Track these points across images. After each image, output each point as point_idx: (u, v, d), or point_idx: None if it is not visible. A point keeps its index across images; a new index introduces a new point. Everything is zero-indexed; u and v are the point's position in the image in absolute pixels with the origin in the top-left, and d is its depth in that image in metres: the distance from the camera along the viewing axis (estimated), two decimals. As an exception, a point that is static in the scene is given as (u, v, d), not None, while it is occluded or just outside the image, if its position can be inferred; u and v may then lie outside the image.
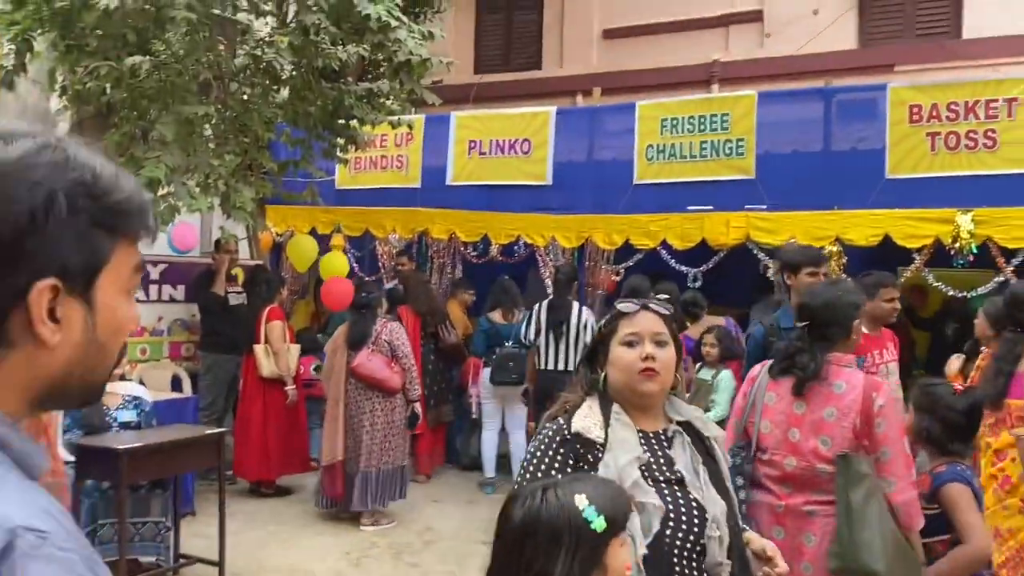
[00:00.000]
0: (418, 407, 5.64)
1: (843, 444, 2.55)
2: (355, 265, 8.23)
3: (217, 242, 6.48)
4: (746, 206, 6.59)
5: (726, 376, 5.31)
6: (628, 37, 10.89)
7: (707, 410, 5.34)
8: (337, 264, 7.54)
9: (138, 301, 6.73)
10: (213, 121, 5.86)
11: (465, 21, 11.68)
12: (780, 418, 2.62)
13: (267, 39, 5.17)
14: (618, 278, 7.27)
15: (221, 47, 5.72)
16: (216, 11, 5.33)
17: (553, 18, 11.42)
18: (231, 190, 5.80)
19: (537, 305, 6.27)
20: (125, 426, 4.12)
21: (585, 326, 6.20)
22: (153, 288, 6.64)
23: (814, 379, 2.62)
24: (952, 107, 6.04)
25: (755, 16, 10.14)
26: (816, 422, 2.59)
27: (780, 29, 9.80)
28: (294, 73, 5.90)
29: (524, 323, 6.26)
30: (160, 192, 5.40)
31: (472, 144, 7.79)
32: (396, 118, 6.73)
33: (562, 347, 6.15)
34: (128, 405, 4.19)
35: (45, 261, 0.75)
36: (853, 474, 2.50)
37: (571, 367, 6.17)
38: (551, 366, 6.14)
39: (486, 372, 6.61)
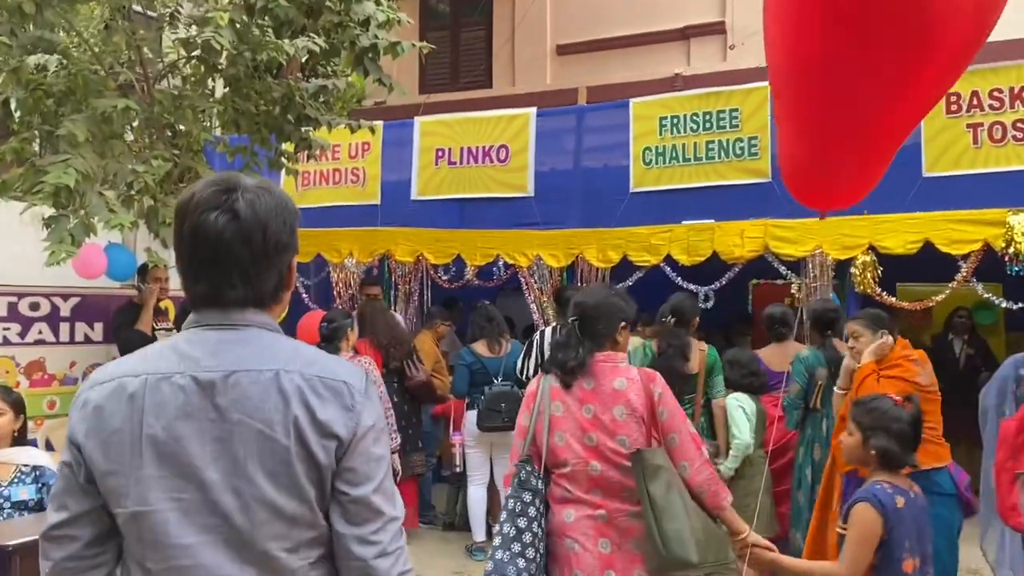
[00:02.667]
0: (396, 461, 4.76)
1: (643, 440, 2.65)
2: (305, 296, 7.34)
3: (143, 268, 5.52)
4: (763, 214, 5.95)
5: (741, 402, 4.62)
6: (583, 52, 10.44)
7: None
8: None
9: (45, 343, 5.80)
10: (136, 119, 4.95)
11: (408, 37, 10.97)
12: (572, 427, 2.66)
13: (204, 16, 4.32)
14: (615, 300, 6.52)
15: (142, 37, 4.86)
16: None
17: (503, 33, 10.90)
18: (159, 203, 4.90)
19: (538, 333, 5.47)
20: (20, 508, 3.15)
21: None
22: (63, 327, 5.64)
23: (580, 371, 2.71)
24: (995, 94, 5.52)
25: (718, 28, 9.66)
26: (609, 423, 2.66)
27: (745, 39, 9.28)
28: (235, 62, 5.04)
29: (523, 354, 5.45)
30: (70, 207, 4.48)
31: (440, 153, 7.04)
32: (357, 121, 5.91)
33: None
34: (25, 478, 3.23)
35: None
36: (649, 468, 2.56)
37: None
38: None
39: (471, 415, 5.77)
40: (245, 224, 1.43)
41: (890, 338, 3.93)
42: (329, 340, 4.74)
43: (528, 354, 5.42)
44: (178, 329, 5.84)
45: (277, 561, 1.41)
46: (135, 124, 5.27)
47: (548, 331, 5.44)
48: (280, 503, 1.40)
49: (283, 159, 6.12)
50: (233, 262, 1.45)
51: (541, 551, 2.63)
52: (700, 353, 4.77)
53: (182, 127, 5.21)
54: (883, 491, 2.59)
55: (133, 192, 4.79)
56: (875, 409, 2.74)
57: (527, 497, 2.66)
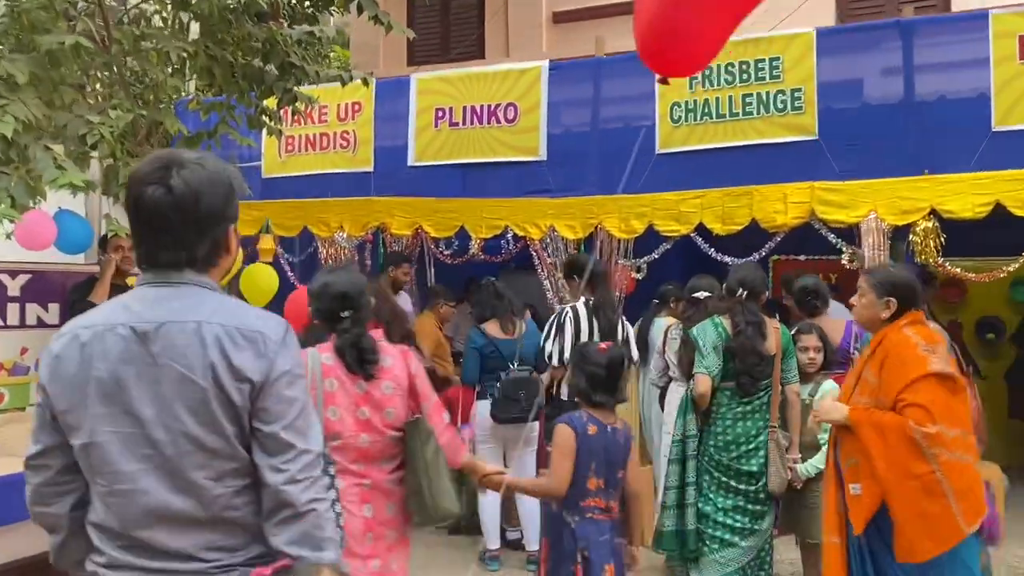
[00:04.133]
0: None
1: (404, 411, 2.91)
2: (290, 274, 6.75)
3: (103, 239, 4.88)
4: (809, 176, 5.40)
5: (832, 389, 4.04)
6: (580, 20, 9.96)
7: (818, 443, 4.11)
8: (261, 278, 5.99)
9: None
10: (90, 62, 4.31)
11: (396, 6, 10.40)
12: (347, 401, 2.85)
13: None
14: (640, 276, 5.96)
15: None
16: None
17: (496, 1, 10.23)
18: (119, 162, 4.26)
19: (569, 309, 4.85)
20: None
21: (628, 338, 4.87)
22: (12, 308, 5.00)
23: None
24: (1078, 35, 4.93)
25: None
26: (379, 397, 2.89)
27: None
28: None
29: (549, 335, 4.83)
30: (9, 163, 3.85)
31: (440, 113, 6.44)
32: (348, 72, 5.28)
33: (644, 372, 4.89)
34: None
35: None
36: (423, 434, 2.85)
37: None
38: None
39: (482, 405, 5.19)
40: (178, 196, 1.65)
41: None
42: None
43: (557, 334, 4.79)
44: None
45: (202, 488, 1.64)
46: (92, 72, 4.62)
47: (580, 307, 4.83)
48: (201, 437, 1.63)
49: (264, 117, 5.48)
50: (167, 229, 1.66)
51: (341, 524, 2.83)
52: (775, 332, 4.25)
53: (147, 74, 4.56)
54: (578, 418, 3.14)
55: (88, 148, 4.14)
56: (580, 351, 3.30)
57: (331, 471, 2.79)
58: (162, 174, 1.65)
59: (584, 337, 4.74)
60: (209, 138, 5.44)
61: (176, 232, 1.66)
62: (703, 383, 4.13)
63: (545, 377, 5.47)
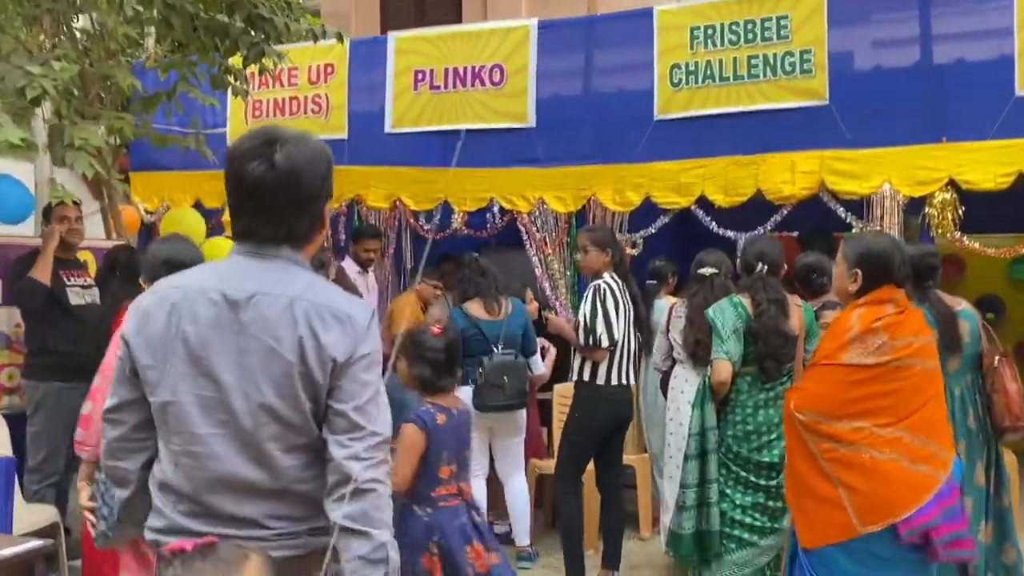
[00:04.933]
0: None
1: None
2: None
3: (47, 209, 4.44)
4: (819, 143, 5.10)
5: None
6: None
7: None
8: (223, 251, 5.60)
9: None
10: (34, 11, 3.88)
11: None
12: None
13: None
14: (636, 252, 5.65)
15: None
16: None
17: None
18: (65, 120, 3.84)
19: (604, 284, 4.43)
20: None
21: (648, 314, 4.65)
22: (-53, 285, 4.56)
23: None
24: (1109, -8, 4.65)
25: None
26: None
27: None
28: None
29: (595, 311, 4.39)
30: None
31: (419, 75, 6.07)
32: (320, 26, 4.89)
33: (634, 350, 4.54)
34: None
35: None
36: None
37: (630, 381, 4.50)
38: (621, 380, 4.50)
39: (464, 392, 4.81)
40: (281, 173, 1.70)
41: None
42: None
43: (602, 312, 4.36)
44: (100, 285, 4.84)
45: (274, 459, 1.70)
46: (36, 18, 4.18)
47: (612, 282, 4.45)
48: (280, 410, 1.68)
49: (229, 77, 5.06)
50: (269, 206, 1.72)
51: None
52: (797, 310, 3.96)
53: (96, 23, 4.13)
54: (427, 413, 3.11)
55: (28, 103, 3.71)
56: (414, 340, 3.27)
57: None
58: (265, 150, 1.69)
59: (620, 314, 4.42)
60: (169, 100, 5.03)
61: (278, 208, 1.71)
62: (724, 370, 3.80)
63: (548, 362, 5.15)
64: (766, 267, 3.93)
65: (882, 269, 2.97)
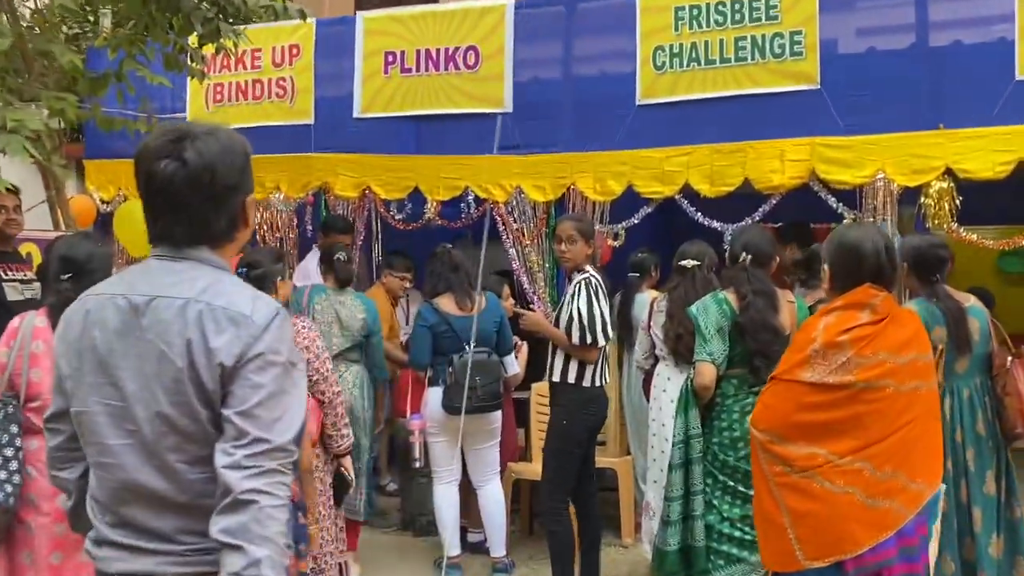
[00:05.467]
0: (348, 465, 3.52)
1: None
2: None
3: (-17, 198, 4.13)
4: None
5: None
6: None
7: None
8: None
9: None
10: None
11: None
12: (50, 364, 2.57)
13: None
14: (617, 243, 5.42)
15: None
16: None
17: None
18: (-2, 101, 3.55)
19: (593, 278, 4.17)
20: None
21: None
22: None
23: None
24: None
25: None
26: None
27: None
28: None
29: (593, 305, 4.10)
30: None
31: (390, 57, 5.82)
32: (282, 2, 4.60)
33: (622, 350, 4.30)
34: None
35: None
36: None
37: (607, 379, 4.24)
38: (604, 380, 4.24)
39: (434, 393, 4.59)
40: (193, 170, 1.63)
41: None
42: None
43: (601, 308, 4.09)
44: (41, 279, 4.52)
45: (177, 472, 1.63)
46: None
47: (597, 276, 4.20)
48: (174, 418, 1.62)
49: (184, 57, 4.76)
50: (182, 206, 1.66)
51: (20, 479, 2.91)
52: (789, 306, 3.72)
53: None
54: None
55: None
56: None
57: (13, 429, 2.91)
58: (174, 147, 1.64)
59: (607, 310, 4.18)
60: (118, 80, 4.72)
61: (192, 207, 1.66)
62: (707, 373, 3.57)
63: (520, 360, 4.88)
64: (751, 257, 3.70)
65: (853, 265, 2.66)
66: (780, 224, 5.54)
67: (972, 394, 3.53)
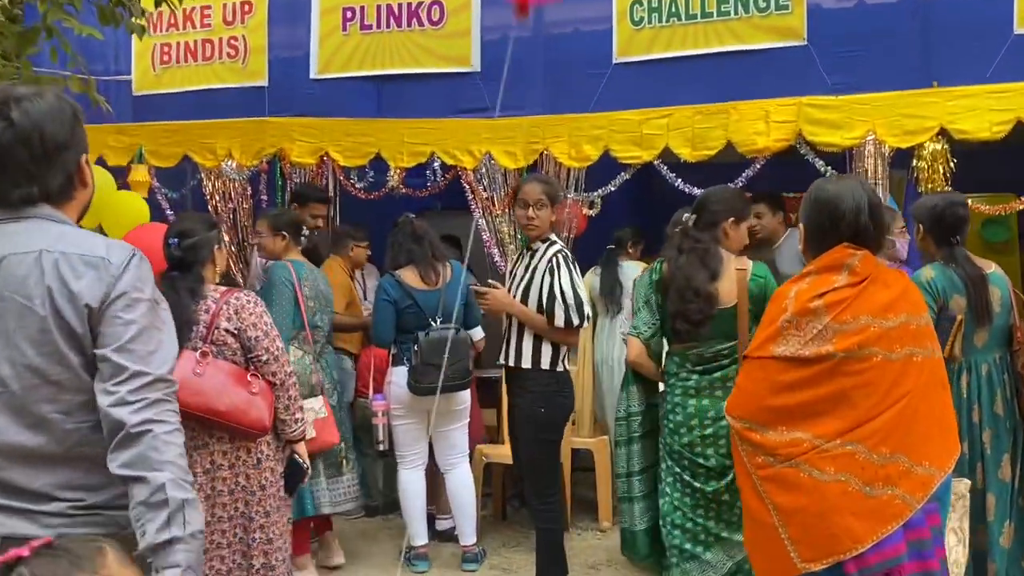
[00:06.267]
0: (303, 451, 3.24)
1: None
2: (169, 212, 5.74)
3: None
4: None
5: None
6: None
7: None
8: (132, 211, 5.00)
9: None
10: None
11: None
12: None
13: None
14: (592, 212, 5.17)
15: None
16: None
17: None
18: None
19: (566, 251, 3.90)
20: None
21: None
22: None
23: None
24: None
25: None
26: None
27: None
28: None
29: (573, 281, 3.82)
30: None
31: (348, 14, 5.51)
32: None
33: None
34: None
35: None
36: None
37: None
38: (568, 365, 3.96)
39: (399, 373, 4.32)
40: (20, 130, 1.67)
41: None
42: (184, 266, 3.10)
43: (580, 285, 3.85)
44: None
45: (53, 423, 1.64)
46: None
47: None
48: (44, 369, 1.63)
49: (122, 7, 4.40)
50: (15, 165, 1.68)
51: None
52: (739, 274, 3.26)
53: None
54: None
55: None
56: None
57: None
58: (0, 109, 1.67)
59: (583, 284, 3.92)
60: (49, 36, 4.35)
61: (24, 166, 1.68)
62: (633, 347, 3.32)
63: (477, 335, 4.58)
64: (695, 217, 3.33)
65: (829, 223, 2.37)
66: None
67: (991, 370, 3.29)
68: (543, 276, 3.80)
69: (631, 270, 5.32)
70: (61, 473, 1.63)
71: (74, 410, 1.64)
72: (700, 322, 3.16)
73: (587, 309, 3.80)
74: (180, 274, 3.09)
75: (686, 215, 3.34)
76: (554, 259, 3.80)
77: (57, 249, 1.65)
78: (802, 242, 2.49)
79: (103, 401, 1.59)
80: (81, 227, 1.80)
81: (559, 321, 3.72)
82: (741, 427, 2.38)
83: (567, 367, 3.89)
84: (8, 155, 1.66)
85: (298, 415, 3.15)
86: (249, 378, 3.05)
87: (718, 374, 3.20)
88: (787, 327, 2.31)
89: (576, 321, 3.74)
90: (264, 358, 3.07)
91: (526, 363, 3.81)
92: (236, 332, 3.07)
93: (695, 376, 3.22)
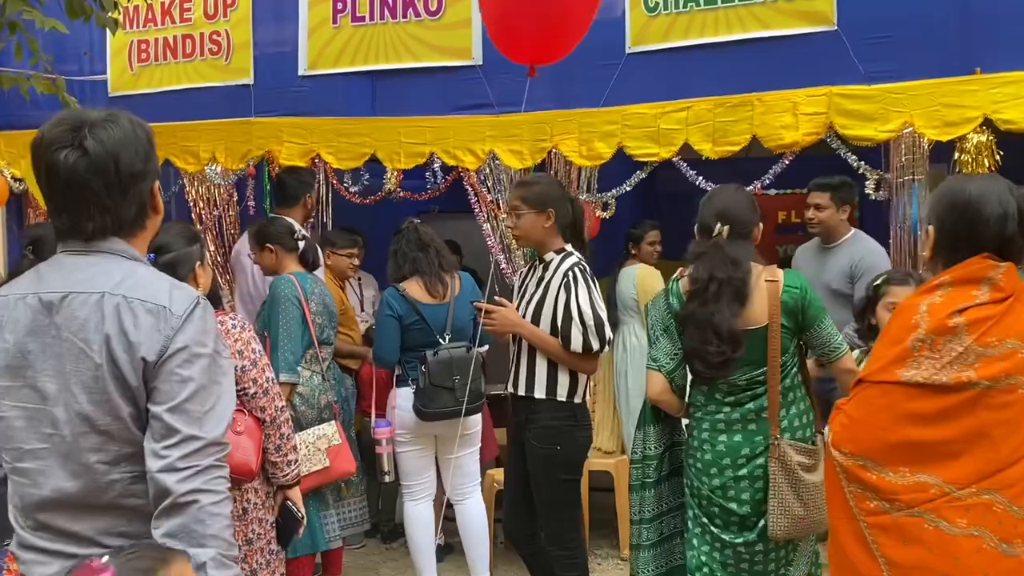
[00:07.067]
0: (297, 498, 2.89)
1: None
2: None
3: None
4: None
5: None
6: None
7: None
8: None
9: None
10: None
11: None
12: None
13: None
14: (606, 215, 4.86)
15: None
16: None
17: None
18: None
19: (582, 263, 3.52)
20: None
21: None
22: None
23: None
24: None
25: None
26: None
27: None
28: None
29: (591, 297, 3.45)
30: None
31: (339, 5, 5.23)
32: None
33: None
34: None
35: None
36: None
37: None
38: (586, 395, 3.61)
39: (403, 395, 3.98)
40: (96, 159, 1.62)
41: None
42: None
43: (600, 303, 3.48)
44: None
45: (97, 472, 1.61)
46: None
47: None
48: (94, 417, 1.60)
49: (92, 1, 4.06)
50: (89, 196, 1.63)
51: None
52: (769, 287, 2.87)
53: None
54: None
55: None
56: None
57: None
58: (73, 136, 1.62)
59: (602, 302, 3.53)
60: (13, 32, 4.00)
61: (99, 197, 1.64)
62: (655, 383, 2.91)
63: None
64: (727, 228, 2.90)
65: (964, 227, 2.06)
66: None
67: None
68: (557, 292, 3.44)
69: (628, 277, 5.03)
70: (103, 520, 1.62)
71: (121, 461, 1.62)
72: (722, 364, 2.79)
73: (608, 331, 3.43)
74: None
75: (718, 226, 2.94)
76: (570, 273, 3.44)
77: (120, 292, 1.61)
78: (928, 248, 2.18)
79: (152, 464, 1.56)
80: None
81: (575, 345, 3.36)
82: (852, 464, 2.06)
83: (585, 396, 3.54)
84: (83, 185, 1.62)
85: (291, 456, 2.80)
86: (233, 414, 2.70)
87: (751, 405, 2.85)
88: (919, 347, 2.00)
89: (595, 346, 3.37)
90: (251, 391, 2.73)
91: (539, 392, 3.44)
92: None
93: (725, 409, 2.86)
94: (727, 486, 2.82)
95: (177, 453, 1.55)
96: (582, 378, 3.46)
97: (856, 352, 3.19)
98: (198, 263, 2.81)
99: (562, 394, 3.42)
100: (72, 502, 1.61)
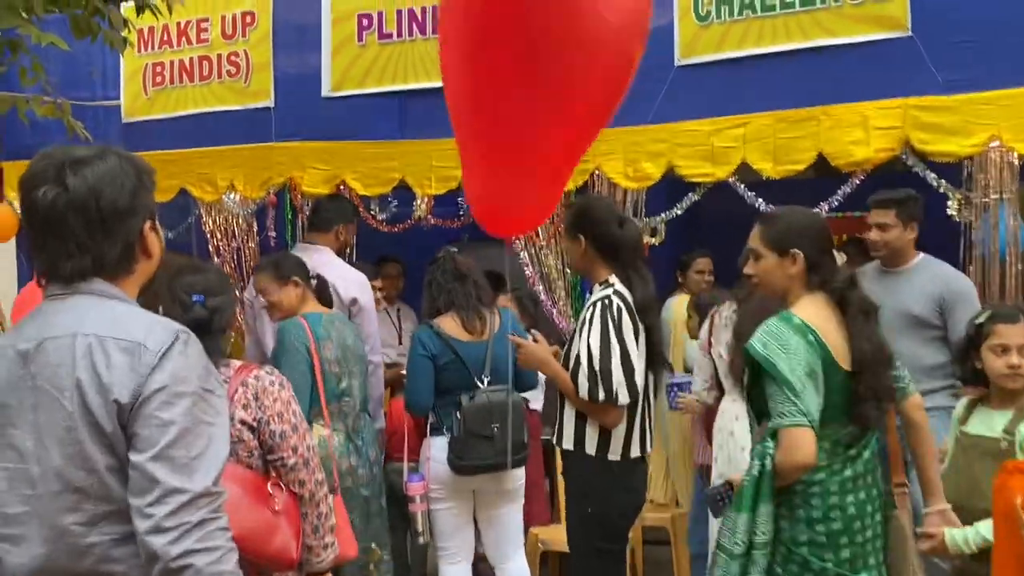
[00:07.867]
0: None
1: None
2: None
3: None
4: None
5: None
6: None
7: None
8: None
9: None
10: None
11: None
12: None
13: None
14: (656, 241, 4.52)
15: None
16: None
17: None
18: None
19: (613, 298, 3.10)
20: None
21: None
22: None
23: None
24: None
25: None
26: None
27: None
28: None
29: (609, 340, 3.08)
30: None
31: (365, 21, 4.98)
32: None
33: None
34: None
35: None
36: None
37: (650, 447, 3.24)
38: (644, 449, 3.21)
39: (438, 445, 3.61)
40: (76, 196, 1.55)
41: None
42: (205, 332, 2.29)
43: (624, 346, 3.05)
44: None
45: (72, 535, 1.49)
46: None
47: (625, 292, 3.19)
48: (67, 473, 1.49)
49: (100, 19, 3.82)
50: (66, 234, 1.56)
51: None
52: None
53: None
54: None
55: None
56: None
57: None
58: (56, 172, 1.56)
59: (641, 347, 3.13)
60: (13, 51, 3.75)
61: (78, 236, 1.56)
62: (807, 444, 2.37)
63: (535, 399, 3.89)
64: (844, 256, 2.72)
65: None
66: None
67: None
68: (577, 330, 3.14)
69: (668, 310, 4.71)
70: None
71: (98, 521, 1.50)
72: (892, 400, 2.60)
73: (619, 377, 2.99)
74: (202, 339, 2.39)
75: (838, 253, 2.62)
76: (592, 308, 3.10)
77: (92, 332, 1.52)
78: None
79: (138, 525, 1.44)
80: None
81: (582, 392, 3.02)
82: None
83: (637, 453, 3.12)
84: (60, 224, 1.55)
85: (328, 539, 2.41)
86: (270, 489, 2.30)
87: (867, 454, 2.51)
88: None
89: (600, 396, 2.98)
90: (291, 461, 2.33)
91: (567, 443, 3.11)
92: (255, 424, 2.34)
93: (850, 464, 2.48)
94: (856, 556, 2.44)
95: (163, 510, 1.43)
96: (616, 431, 3.07)
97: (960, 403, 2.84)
98: (238, 308, 2.49)
99: (591, 447, 3.06)
100: (52, 570, 1.50)
